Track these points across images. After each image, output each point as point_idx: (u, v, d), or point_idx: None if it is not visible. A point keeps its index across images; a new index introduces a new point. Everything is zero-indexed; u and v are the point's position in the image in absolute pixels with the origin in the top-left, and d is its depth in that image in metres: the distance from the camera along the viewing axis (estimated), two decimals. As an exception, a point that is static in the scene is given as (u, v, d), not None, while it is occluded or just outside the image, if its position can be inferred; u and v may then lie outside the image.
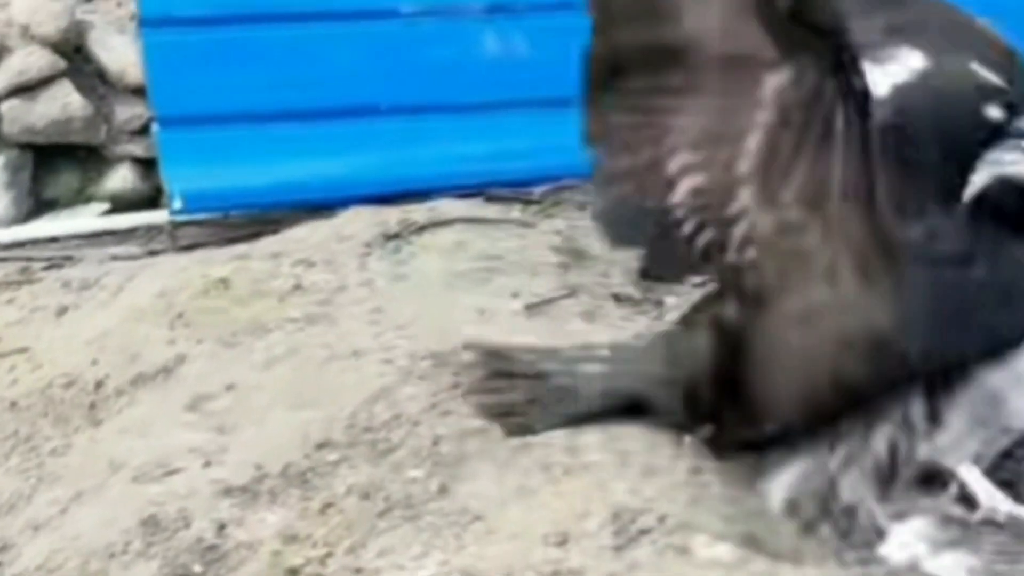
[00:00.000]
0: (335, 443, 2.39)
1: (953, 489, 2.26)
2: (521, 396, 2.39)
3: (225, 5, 3.45)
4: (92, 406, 2.66)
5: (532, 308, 2.72)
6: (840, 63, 2.03)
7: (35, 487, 2.53)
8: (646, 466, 2.28)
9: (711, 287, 2.36)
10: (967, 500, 2.25)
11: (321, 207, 3.28)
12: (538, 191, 3.39)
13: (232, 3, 3.46)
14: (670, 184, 2.20)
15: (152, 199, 3.75)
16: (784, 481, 2.23)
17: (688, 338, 2.36)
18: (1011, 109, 2.17)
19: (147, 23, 3.43)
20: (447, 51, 3.54)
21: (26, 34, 3.76)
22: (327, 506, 2.27)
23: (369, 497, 2.27)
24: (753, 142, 2.10)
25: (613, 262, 3.00)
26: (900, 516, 2.22)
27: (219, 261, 3.02)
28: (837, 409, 2.18)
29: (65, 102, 3.76)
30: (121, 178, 3.82)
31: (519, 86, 3.54)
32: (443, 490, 2.28)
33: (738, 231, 2.15)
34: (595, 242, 3.09)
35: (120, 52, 3.82)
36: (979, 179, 2.16)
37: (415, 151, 3.44)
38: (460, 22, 3.56)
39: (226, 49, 3.44)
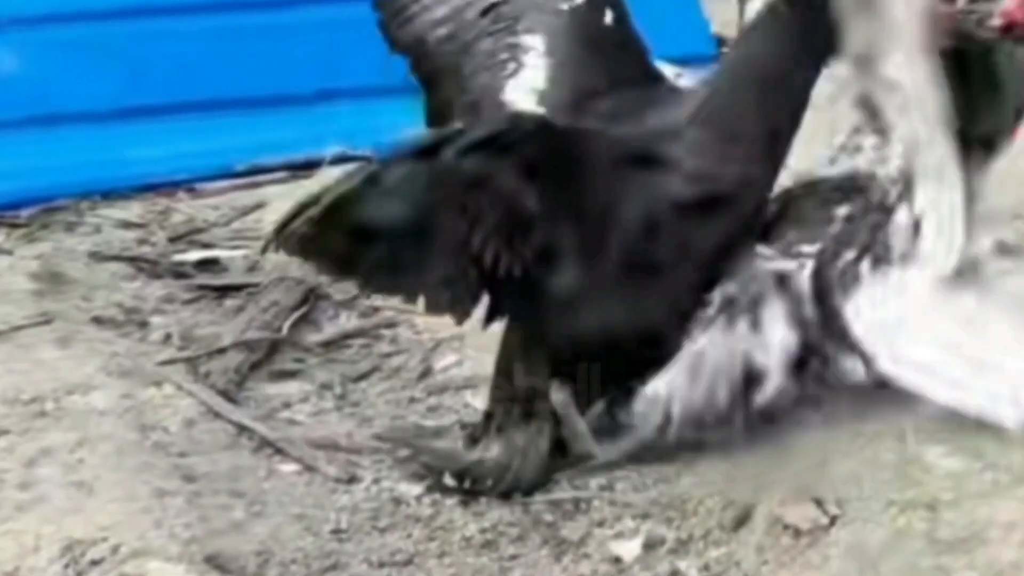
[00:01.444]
0: None
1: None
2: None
3: None
4: None
5: (-2, 337, 2.58)
6: None
7: None
8: (107, 495, 2.18)
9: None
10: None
11: None
12: (26, 213, 3.23)
13: None
14: None
15: None
16: None
17: None
18: None
19: None
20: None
21: None
22: None
23: None
24: None
25: (95, 286, 2.89)
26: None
27: None
28: None
29: None
30: None
31: (5, 106, 3.37)
32: None
33: None
34: (78, 264, 2.97)
35: None
36: None
37: None
38: (-64, 40, 3.37)
39: None
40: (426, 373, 2.67)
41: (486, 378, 2.37)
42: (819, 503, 2.11)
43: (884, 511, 2.06)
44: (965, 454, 2.09)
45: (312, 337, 2.80)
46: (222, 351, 2.67)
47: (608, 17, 2.46)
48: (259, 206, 3.35)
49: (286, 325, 2.80)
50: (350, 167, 3.37)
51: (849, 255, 2.14)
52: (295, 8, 3.66)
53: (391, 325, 2.80)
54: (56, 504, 2.15)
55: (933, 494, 2.05)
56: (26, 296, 2.77)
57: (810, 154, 2.32)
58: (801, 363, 2.13)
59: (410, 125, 3.56)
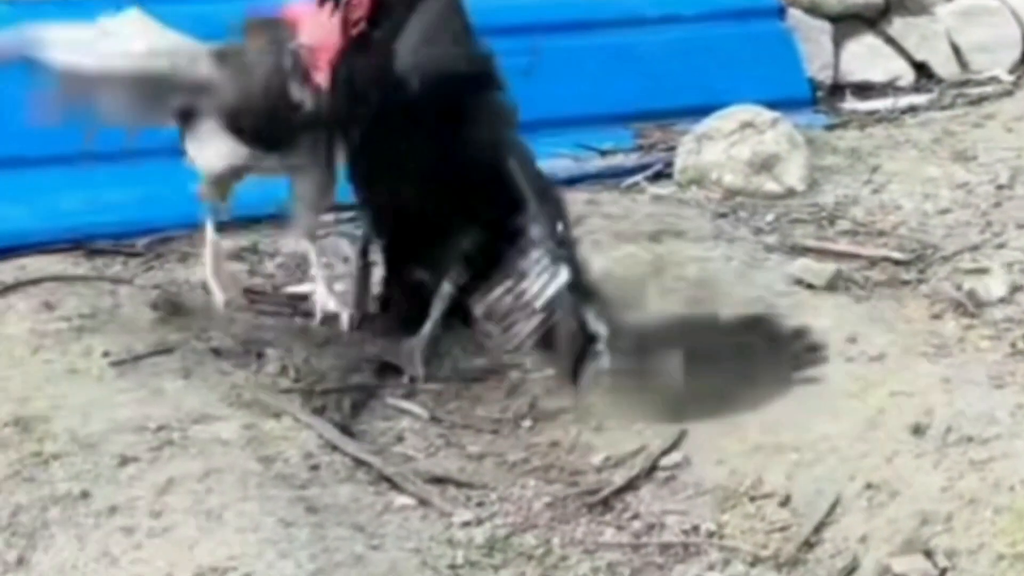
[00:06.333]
0: (-89, 520, 2.29)
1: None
2: None
3: None
4: None
5: (121, 366, 2.66)
6: None
7: None
8: (234, 525, 2.26)
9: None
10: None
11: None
12: (141, 243, 3.31)
13: None
14: None
15: None
16: None
17: None
18: None
19: None
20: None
21: None
22: (-102, 586, 2.17)
23: (-57, 572, 2.18)
24: None
25: (212, 316, 2.96)
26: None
27: None
28: None
29: None
30: None
31: (117, 137, 3.45)
32: (21, 561, 2.21)
33: None
34: (196, 296, 3.05)
35: None
36: None
37: (3, 207, 3.31)
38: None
39: None
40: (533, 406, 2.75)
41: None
42: (928, 554, 2.16)
43: (994, 564, 2.10)
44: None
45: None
46: (337, 386, 2.76)
47: None
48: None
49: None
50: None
51: None
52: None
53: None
54: (186, 532, 2.23)
55: (1042, 548, 2.10)
56: (147, 325, 2.85)
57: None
58: None
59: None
